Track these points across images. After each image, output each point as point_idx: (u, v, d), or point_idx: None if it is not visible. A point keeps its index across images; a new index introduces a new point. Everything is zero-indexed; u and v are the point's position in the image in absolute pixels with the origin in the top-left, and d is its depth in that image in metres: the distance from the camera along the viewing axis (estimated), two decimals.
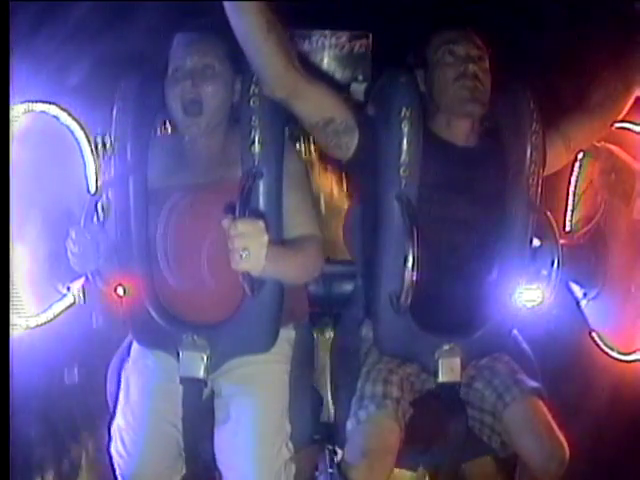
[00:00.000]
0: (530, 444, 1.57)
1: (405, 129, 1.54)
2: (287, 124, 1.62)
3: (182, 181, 1.63)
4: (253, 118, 1.53)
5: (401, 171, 1.55)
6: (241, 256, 1.31)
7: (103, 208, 1.62)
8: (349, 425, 1.62)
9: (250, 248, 1.31)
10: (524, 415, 1.59)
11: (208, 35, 1.60)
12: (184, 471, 1.65)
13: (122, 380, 1.68)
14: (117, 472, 1.62)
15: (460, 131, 1.67)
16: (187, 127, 1.60)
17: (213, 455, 1.61)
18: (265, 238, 1.33)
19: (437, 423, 1.63)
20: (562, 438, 1.57)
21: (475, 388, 1.68)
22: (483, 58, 1.65)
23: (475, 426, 1.68)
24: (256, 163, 1.54)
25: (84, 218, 1.57)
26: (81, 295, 1.78)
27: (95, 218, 1.59)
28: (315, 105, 1.54)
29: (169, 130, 1.75)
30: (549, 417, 1.60)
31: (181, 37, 1.61)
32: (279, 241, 1.54)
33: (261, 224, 1.33)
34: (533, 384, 1.65)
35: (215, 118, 1.60)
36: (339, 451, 1.69)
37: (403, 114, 1.54)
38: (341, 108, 1.57)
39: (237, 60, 1.57)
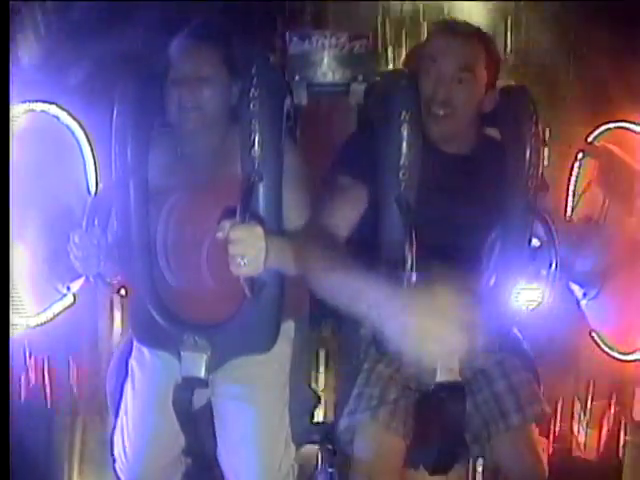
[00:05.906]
0: (513, 473, 1.59)
1: (405, 132, 1.53)
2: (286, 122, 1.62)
3: (182, 181, 1.63)
4: (253, 121, 1.53)
5: (400, 174, 1.55)
6: (240, 262, 1.31)
7: (104, 210, 1.63)
8: (342, 424, 1.62)
9: (248, 254, 1.32)
10: (507, 448, 1.60)
11: (204, 41, 1.59)
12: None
13: (127, 382, 1.68)
14: (119, 475, 1.64)
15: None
16: (186, 126, 1.60)
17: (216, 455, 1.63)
18: (263, 244, 1.33)
19: (436, 422, 1.63)
20: (544, 465, 1.58)
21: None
22: (470, 68, 1.54)
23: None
24: (256, 166, 1.53)
25: (86, 221, 1.58)
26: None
27: (97, 221, 1.59)
28: None
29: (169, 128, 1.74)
30: (534, 444, 1.60)
31: (177, 44, 1.60)
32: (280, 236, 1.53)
33: (259, 230, 1.33)
34: (519, 418, 1.62)
35: (213, 119, 1.60)
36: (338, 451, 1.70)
37: (403, 117, 1.53)
38: None
39: (234, 65, 1.58)
